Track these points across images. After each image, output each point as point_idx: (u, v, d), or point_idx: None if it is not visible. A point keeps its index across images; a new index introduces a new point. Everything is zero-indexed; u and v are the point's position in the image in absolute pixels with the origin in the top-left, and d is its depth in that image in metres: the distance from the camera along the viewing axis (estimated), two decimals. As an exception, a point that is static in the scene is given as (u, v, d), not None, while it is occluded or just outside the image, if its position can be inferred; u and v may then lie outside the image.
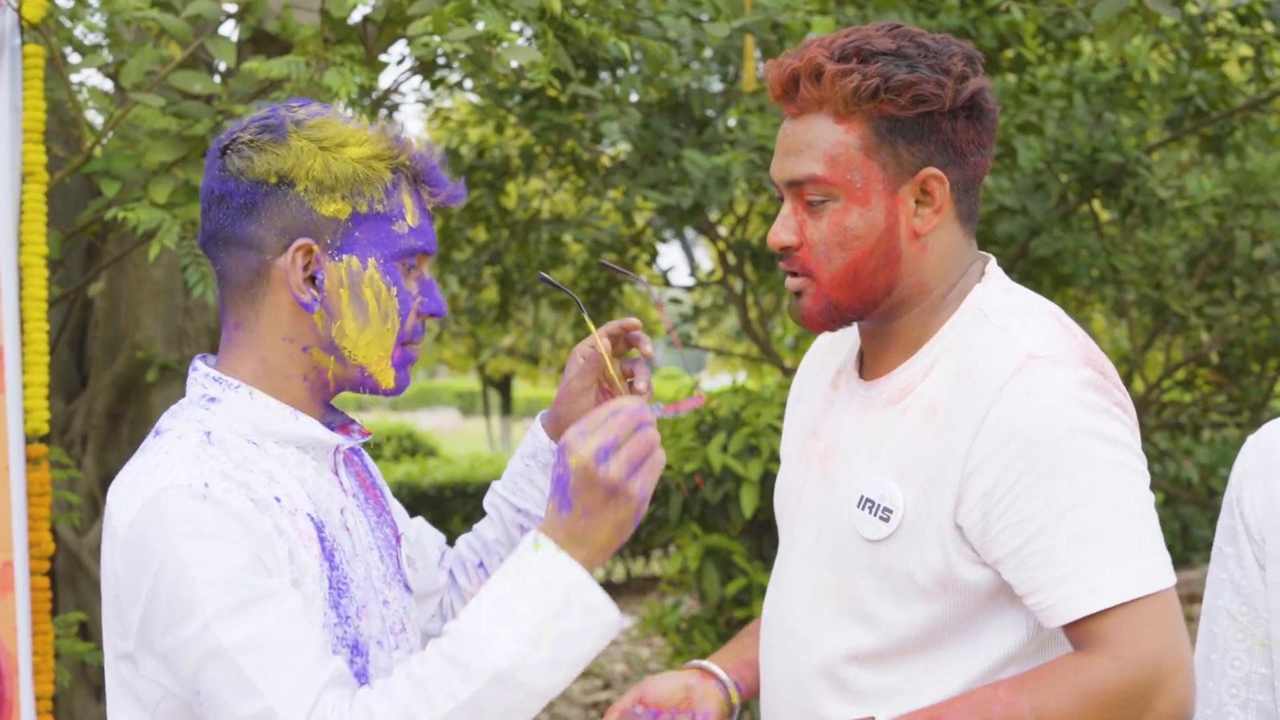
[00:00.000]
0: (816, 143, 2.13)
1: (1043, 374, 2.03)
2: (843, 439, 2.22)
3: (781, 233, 2.16)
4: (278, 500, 1.93)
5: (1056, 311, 2.15)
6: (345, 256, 1.99)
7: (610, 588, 12.11)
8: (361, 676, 1.97)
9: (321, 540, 1.96)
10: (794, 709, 2.23)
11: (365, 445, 2.20)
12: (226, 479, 1.89)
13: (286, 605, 1.85)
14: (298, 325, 2.01)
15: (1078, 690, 1.96)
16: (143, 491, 1.89)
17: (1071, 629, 2.00)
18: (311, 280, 1.99)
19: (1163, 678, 1.96)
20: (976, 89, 2.13)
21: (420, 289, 2.06)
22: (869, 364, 2.26)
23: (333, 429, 2.12)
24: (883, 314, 2.18)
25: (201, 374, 2.05)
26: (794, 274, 2.19)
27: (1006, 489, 2.01)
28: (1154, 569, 2.00)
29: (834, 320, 2.19)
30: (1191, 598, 11.09)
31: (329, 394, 2.08)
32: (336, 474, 2.08)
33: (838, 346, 2.37)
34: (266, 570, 1.86)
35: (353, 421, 2.17)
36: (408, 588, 2.16)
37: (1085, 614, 1.98)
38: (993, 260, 2.24)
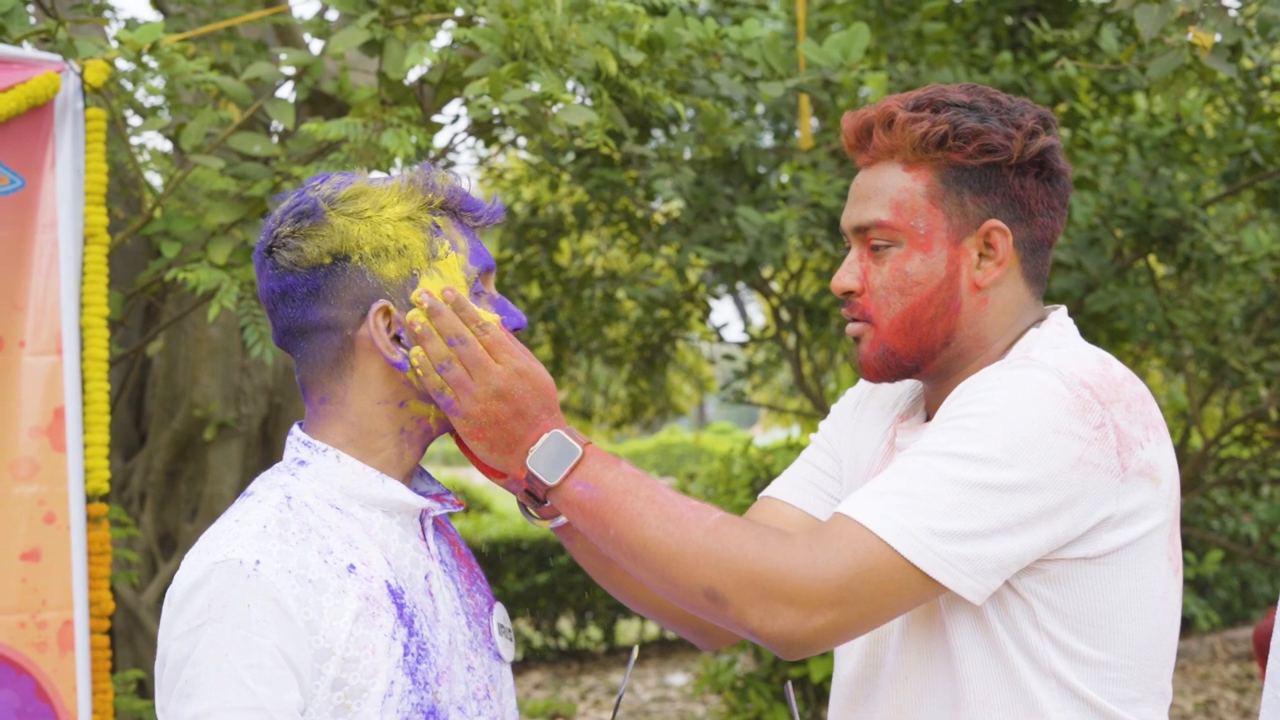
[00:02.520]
0: (884, 189, 2.14)
1: (1028, 370, 2.03)
2: None
3: (845, 277, 2.17)
4: (351, 568, 1.94)
5: (1106, 355, 2.11)
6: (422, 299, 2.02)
7: (664, 645, 12.06)
8: None
9: (400, 607, 1.97)
10: None
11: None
12: (285, 558, 1.89)
13: None
14: (391, 385, 2.03)
15: (762, 537, 1.96)
16: (202, 559, 1.91)
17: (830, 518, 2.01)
18: (397, 339, 2.01)
19: (812, 597, 1.92)
20: (1046, 146, 2.13)
21: (495, 308, 2.08)
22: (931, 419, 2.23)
23: (425, 497, 2.12)
24: (940, 368, 2.17)
25: (295, 438, 2.08)
26: (854, 320, 2.19)
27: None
28: (919, 537, 1.93)
29: (890, 369, 2.18)
30: (1252, 655, 10.96)
31: (430, 438, 2.10)
32: (424, 539, 2.08)
33: (906, 390, 2.36)
34: (286, 663, 1.86)
35: (448, 493, 2.17)
36: (498, 655, 2.17)
37: (839, 509, 1.99)
38: (1061, 310, 2.22)
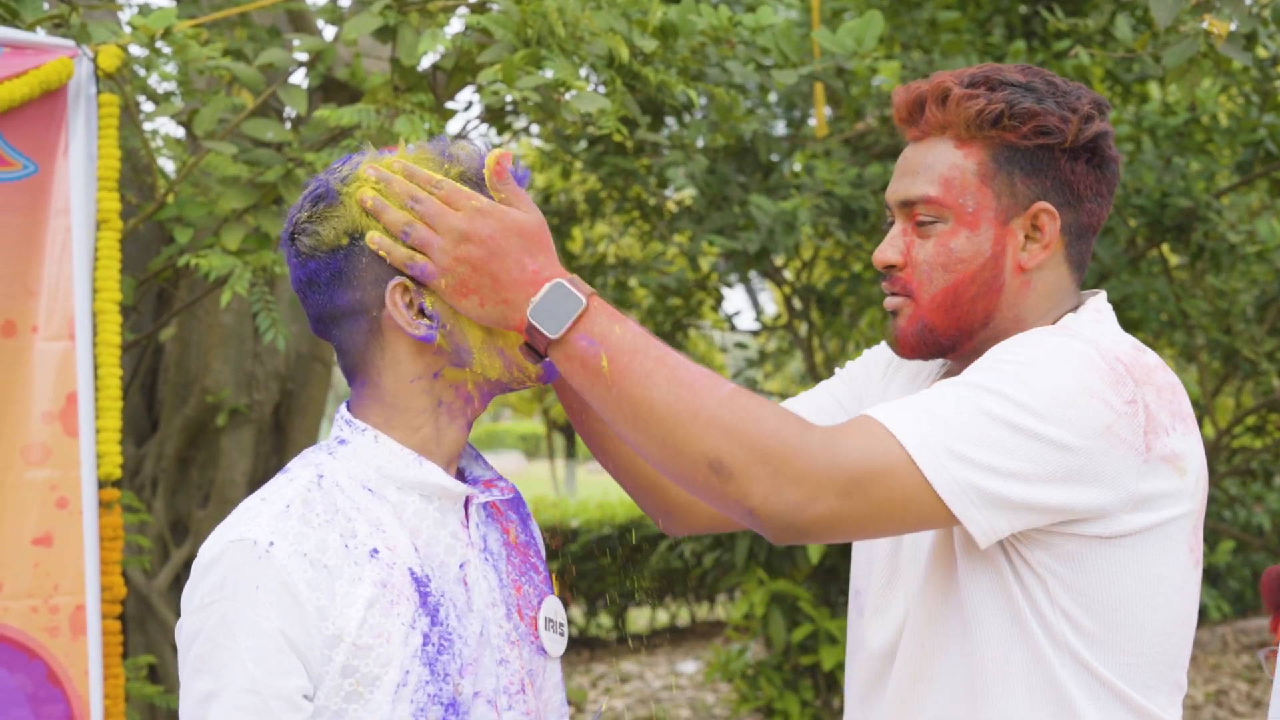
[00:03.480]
0: (934, 165, 2.13)
1: (1065, 337, 2.02)
2: None
3: (888, 251, 2.16)
4: (374, 553, 1.93)
5: (1139, 343, 2.09)
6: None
7: (675, 632, 12.07)
8: None
9: (424, 595, 1.95)
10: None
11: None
12: (302, 540, 1.89)
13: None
14: (422, 360, 2.00)
15: (780, 414, 1.90)
16: (222, 536, 1.91)
17: None
18: (420, 312, 1.97)
19: (820, 478, 1.88)
20: (1100, 132, 2.12)
21: None
22: None
23: (474, 482, 2.11)
24: (975, 349, 2.15)
25: (339, 416, 2.07)
26: (894, 294, 2.17)
27: None
28: (937, 453, 1.90)
29: (926, 345, 2.16)
30: (1263, 645, 10.95)
31: (473, 408, 2.06)
32: (466, 525, 2.05)
33: (929, 364, 2.34)
34: (290, 647, 1.85)
35: (501, 479, 2.14)
36: (542, 650, 2.12)
37: (866, 412, 1.96)
38: (1100, 295, 2.20)
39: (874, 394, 2.37)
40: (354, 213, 1.97)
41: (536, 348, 1.95)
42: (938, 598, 2.10)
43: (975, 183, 2.11)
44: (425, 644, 1.94)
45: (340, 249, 1.97)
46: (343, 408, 2.08)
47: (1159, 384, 2.02)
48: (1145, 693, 2.04)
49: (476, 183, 2.00)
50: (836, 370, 2.46)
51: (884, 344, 2.42)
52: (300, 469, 2.00)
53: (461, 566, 2.02)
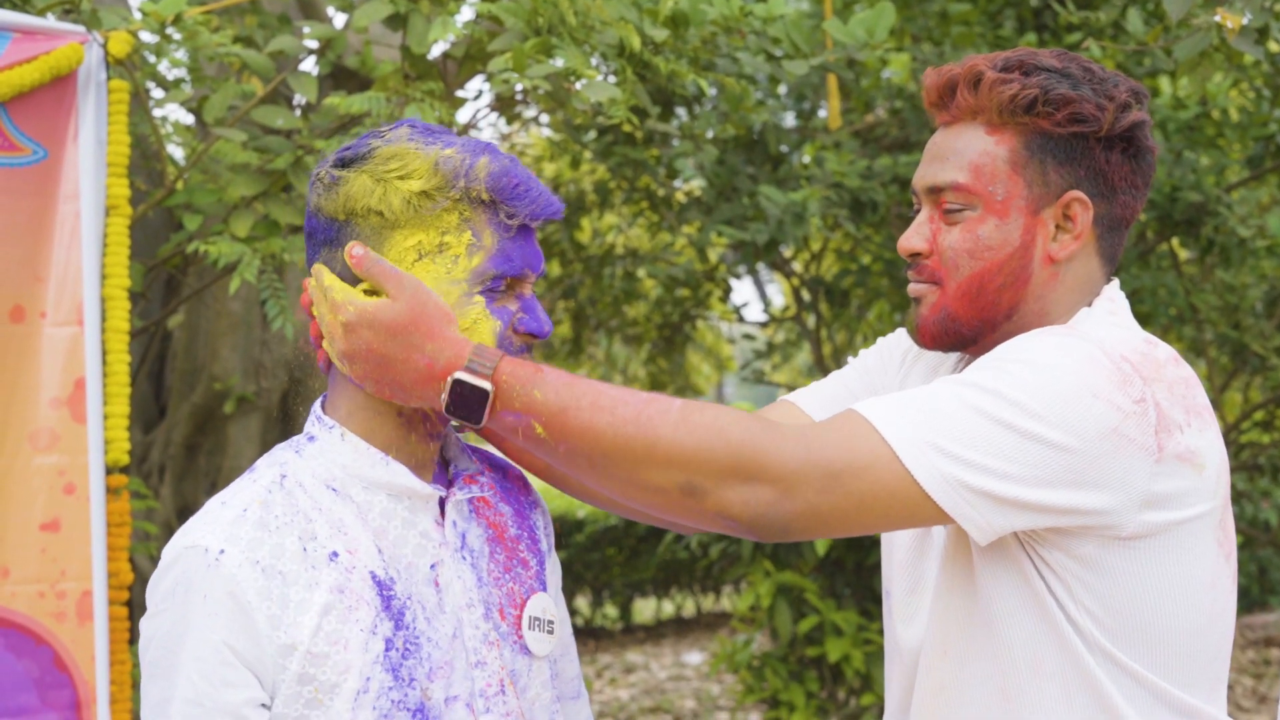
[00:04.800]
0: (964, 151, 2.09)
1: (1072, 337, 1.97)
2: None
3: (913, 238, 2.12)
4: (334, 556, 1.90)
5: (1151, 338, 2.05)
6: None
7: (680, 623, 12.07)
8: None
9: (387, 599, 1.92)
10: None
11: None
12: (255, 547, 1.87)
13: None
14: None
15: (743, 419, 1.86)
16: (177, 541, 1.90)
17: None
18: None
19: (796, 474, 1.84)
20: (1137, 121, 2.07)
21: (521, 306, 1.99)
22: None
23: (457, 476, 2.07)
24: (996, 344, 2.09)
25: (313, 411, 2.04)
26: (919, 281, 2.13)
27: None
28: (922, 448, 1.86)
29: (948, 334, 2.12)
30: (1269, 641, 10.94)
31: (433, 426, 2.01)
32: (441, 523, 2.01)
33: (948, 358, 2.30)
34: (235, 659, 1.83)
35: (483, 473, 2.09)
36: (526, 649, 2.07)
37: (852, 407, 1.93)
38: (1113, 285, 2.16)
39: (890, 384, 2.34)
40: (354, 193, 1.93)
41: (467, 429, 1.94)
42: (961, 600, 2.07)
43: (1006, 170, 2.06)
44: (388, 649, 1.91)
45: (336, 221, 1.94)
46: (318, 402, 2.05)
47: (1170, 380, 1.97)
48: (1186, 688, 2.01)
49: (484, 205, 1.94)
50: (849, 359, 2.42)
51: (902, 331, 2.39)
52: (265, 468, 1.98)
53: (433, 567, 1.98)
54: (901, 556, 2.22)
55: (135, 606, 5.35)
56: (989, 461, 1.87)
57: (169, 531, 5.71)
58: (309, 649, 1.86)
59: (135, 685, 4.04)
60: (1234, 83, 6.70)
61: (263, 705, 1.86)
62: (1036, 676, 2.00)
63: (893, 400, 1.92)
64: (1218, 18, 3.80)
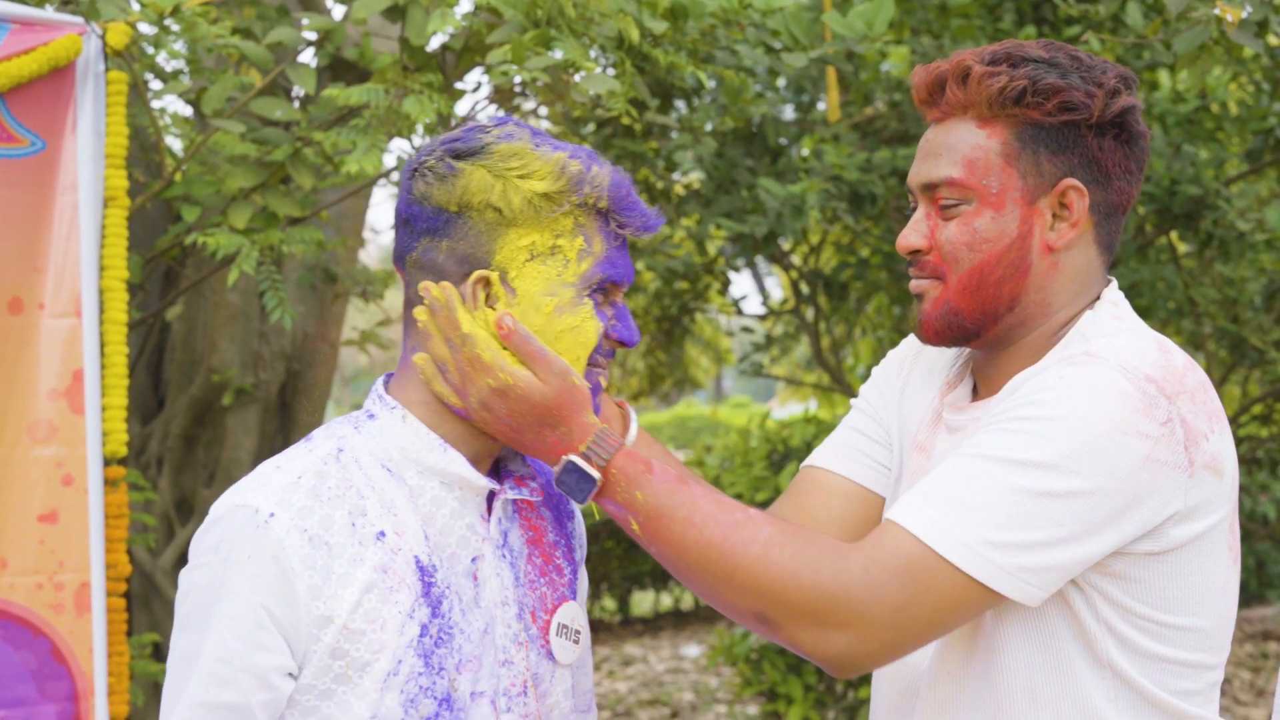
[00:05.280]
0: (956, 146, 2.09)
1: (1091, 367, 1.96)
2: (936, 461, 2.16)
3: (911, 236, 2.12)
4: (381, 535, 1.91)
5: (1164, 340, 2.05)
6: (524, 288, 1.95)
7: (679, 616, 12.08)
8: None
9: (428, 585, 1.93)
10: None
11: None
12: (305, 515, 1.88)
13: (231, 701, 1.86)
14: None
15: (816, 561, 1.88)
16: (228, 498, 1.91)
17: (881, 524, 1.96)
18: (492, 311, 1.95)
19: (866, 619, 1.87)
20: (1127, 106, 2.07)
21: (615, 314, 2.03)
22: (980, 390, 2.20)
23: (507, 475, 2.08)
24: (1000, 335, 2.11)
25: (374, 389, 2.05)
26: (922, 277, 2.13)
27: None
28: (978, 549, 1.87)
29: (951, 329, 2.12)
30: (1267, 635, 10.95)
31: None
32: (487, 518, 2.03)
33: (952, 357, 2.31)
34: (271, 622, 1.85)
35: (534, 478, 2.12)
36: (551, 655, 2.09)
37: (891, 516, 1.93)
38: (1112, 286, 2.15)
39: (893, 408, 2.34)
40: (472, 187, 1.94)
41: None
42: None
43: (999, 163, 2.06)
44: (423, 635, 1.92)
45: (446, 212, 1.95)
46: (380, 381, 2.06)
47: (1191, 389, 1.98)
48: (1186, 697, 2.02)
49: (604, 212, 1.99)
50: (852, 401, 2.42)
51: (890, 353, 2.42)
52: (322, 440, 1.99)
53: (474, 561, 2.00)
54: None
55: (133, 599, 5.36)
56: (1037, 535, 1.88)
57: (167, 523, 5.71)
58: (346, 624, 1.87)
59: (133, 677, 4.05)
60: (1233, 76, 6.69)
61: (289, 674, 1.87)
62: (1033, 705, 2.01)
63: (930, 500, 1.92)
64: (1217, 11, 3.80)
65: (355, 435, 2.00)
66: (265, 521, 1.86)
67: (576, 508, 2.24)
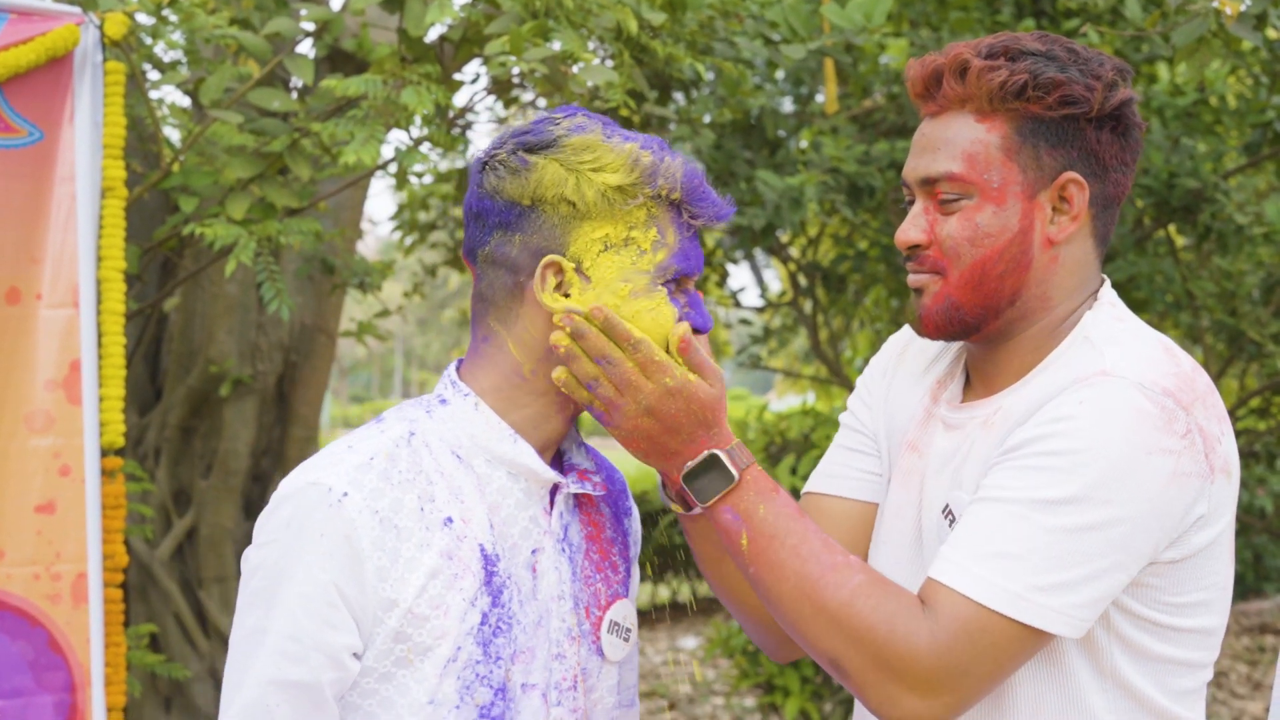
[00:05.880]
0: (955, 140, 2.07)
1: (1108, 388, 1.95)
2: (933, 459, 2.16)
3: (910, 231, 2.10)
4: (448, 521, 1.92)
5: (1168, 342, 2.05)
6: (599, 275, 1.96)
7: (676, 609, 12.08)
8: None
9: (490, 574, 1.94)
10: None
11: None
12: (377, 497, 1.88)
13: (301, 679, 1.86)
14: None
15: (892, 618, 1.90)
16: (300, 476, 1.91)
17: (928, 585, 1.95)
18: (566, 297, 1.95)
19: (932, 683, 1.88)
20: (1125, 99, 2.06)
21: (688, 302, 2.02)
22: (975, 386, 2.19)
23: (570, 469, 2.09)
24: (1000, 330, 2.10)
25: (446, 374, 2.05)
26: (921, 272, 2.11)
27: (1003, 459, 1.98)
28: (1029, 597, 1.88)
29: (952, 323, 2.10)
30: (1264, 628, 10.96)
31: (574, 409, 2.05)
32: (549, 511, 2.03)
33: (939, 353, 2.30)
34: (341, 601, 1.85)
35: (596, 472, 2.12)
36: (600, 651, 2.09)
37: (939, 578, 1.93)
38: (1107, 283, 2.15)
39: (880, 412, 2.34)
40: (545, 180, 1.94)
41: (687, 501, 2.04)
42: None
43: (1000, 157, 2.05)
44: (483, 623, 1.93)
45: (519, 205, 1.96)
46: (452, 366, 2.07)
47: (1202, 394, 1.98)
48: (1181, 698, 2.03)
49: (677, 204, 2.00)
50: (841, 419, 2.42)
51: (873, 360, 2.41)
52: (394, 422, 1.99)
53: (534, 553, 2.00)
54: (898, 570, 2.21)
55: (130, 590, 5.36)
56: (1083, 571, 1.89)
57: (164, 514, 5.71)
58: (411, 608, 1.88)
59: (130, 667, 4.05)
60: (1232, 69, 6.69)
61: (355, 655, 1.87)
62: (1036, 714, 2.01)
63: (975, 556, 1.92)
64: (1216, 3, 3.80)
65: (427, 419, 2.00)
66: (339, 500, 1.86)
67: (633, 503, 2.25)
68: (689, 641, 10.65)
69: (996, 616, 1.88)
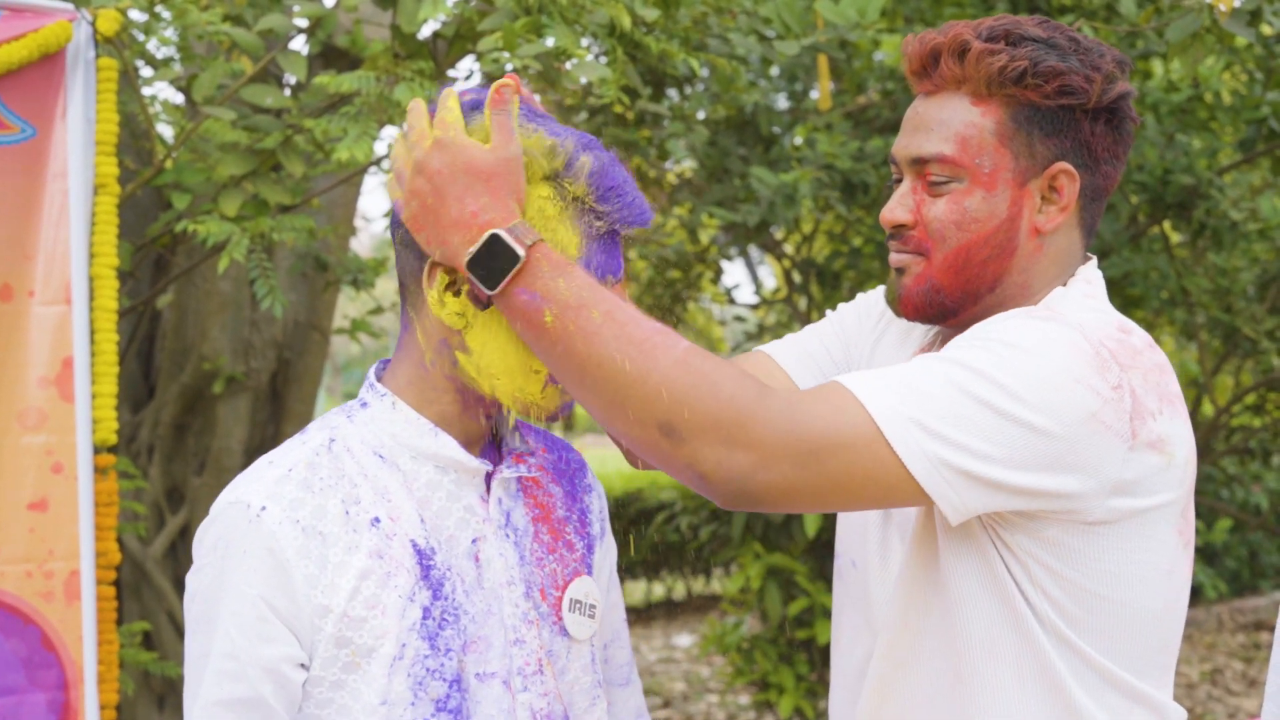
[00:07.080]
0: (949, 122, 2.05)
1: (1053, 322, 1.94)
2: None
3: (896, 210, 2.08)
4: (375, 522, 1.91)
5: (1128, 323, 2.03)
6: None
7: (670, 605, 12.08)
8: (457, 714, 1.92)
9: (426, 568, 1.92)
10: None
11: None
12: (297, 507, 1.87)
13: (242, 696, 1.85)
14: (449, 341, 1.95)
15: (741, 376, 1.82)
16: (223, 497, 1.91)
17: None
18: (454, 296, 1.91)
19: (773, 448, 1.79)
20: (1122, 92, 2.05)
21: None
22: None
23: (508, 454, 2.05)
24: (977, 315, 2.08)
25: (367, 378, 2.03)
26: (904, 252, 2.10)
27: None
28: (909, 426, 1.82)
29: (931, 306, 2.09)
30: (1259, 625, 10.96)
31: (486, 408, 1.99)
32: (486, 499, 2.01)
33: (911, 329, 2.28)
34: (273, 615, 1.84)
35: (533, 454, 2.07)
36: (564, 631, 2.05)
37: (839, 379, 1.89)
38: (1090, 264, 2.14)
39: (864, 345, 2.32)
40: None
41: (479, 296, 1.89)
42: (922, 578, 2.05)
43: (993, 142, 2.04)
44: (425, 618, 1.91)
45: None
46: (373, 369, 2.05)
47: (1145, 367, 1.96)
48: (1137, 674, 2.01)
49: (581, 202, 1.90)
50: (829, 313, 2.39)
51: (874, 295, 2.37)
52: (315, 431, 1.98)
53: (474, 542, 1.98)
54: (874, 525, 2.20)
55: (123, 587, 5.35)
56: (971, 441, 1.84)
57: (157, 511, 5.70)
58: (345, 611, 1.86)
59: (123, 665, 4.04)
60: (1226, 65, 6.69)
61: (301, 665, 1.86)
62: (991, 657, 1.99)
63: (878, 375, 1.89)
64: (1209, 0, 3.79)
65: (348, 424, 1.99)
66: (257, 516, 1.86)
67: (594, 479, 2.21)
68: (683, 639, 10.65)
69: (871, 424, 1.83)
